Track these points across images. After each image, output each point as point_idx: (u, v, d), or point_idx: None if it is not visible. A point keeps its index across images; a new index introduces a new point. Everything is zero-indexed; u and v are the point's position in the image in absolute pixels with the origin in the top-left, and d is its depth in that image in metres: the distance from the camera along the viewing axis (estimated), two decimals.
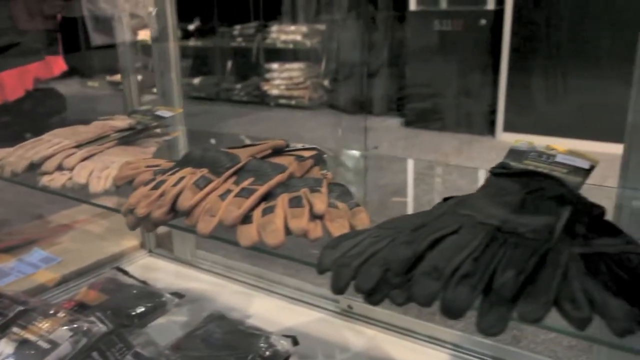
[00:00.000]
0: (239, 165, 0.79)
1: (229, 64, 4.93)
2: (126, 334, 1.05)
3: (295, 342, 1.08)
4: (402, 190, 1.20)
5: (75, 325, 1.05)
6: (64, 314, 1.11)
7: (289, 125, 3.92)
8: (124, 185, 0.89)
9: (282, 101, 4.44)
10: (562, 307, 0.49)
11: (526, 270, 0.51)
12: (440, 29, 3.25)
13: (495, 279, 0.51)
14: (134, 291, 1.30)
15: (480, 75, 3.24)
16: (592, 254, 0.55)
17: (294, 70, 4.37)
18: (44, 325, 1.07)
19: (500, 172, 0.67)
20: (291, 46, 4.28)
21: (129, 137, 1.09)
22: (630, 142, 0.81)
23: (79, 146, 1.01)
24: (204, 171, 0.78)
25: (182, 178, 0.77)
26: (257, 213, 0.71)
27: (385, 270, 0.55)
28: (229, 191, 0.75)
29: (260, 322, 1.19)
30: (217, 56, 4.98)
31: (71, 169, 0.95)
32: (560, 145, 0.72)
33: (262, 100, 4.55)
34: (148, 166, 0.88)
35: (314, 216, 0.70)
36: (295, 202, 0.71)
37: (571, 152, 0.74)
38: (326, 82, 4.34)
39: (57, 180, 0.94)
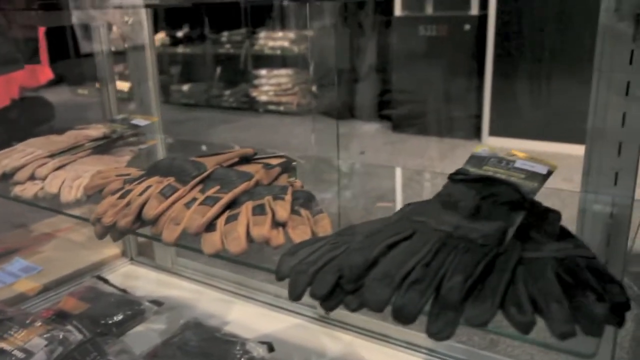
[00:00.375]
0: (205, 174, 0.80)
1: (218, 70, 4.94)
2: (101, 343, 1.05)
3: (270, 348, 1.09)
4: (382, 197, 1.21)
5: (50, 335, 1.06)
6: (40, 323, 1.12)
7: (277, 132, 3.93)
8: (95, 194, 0.90)
9: (271, 107, 4.45)
10: (507, 311, 0.50)
11: (474, 275, 0.52)
12: (425, 34, 3.27)
13: (443, 285, 0.52)
14: (113, 299, 1.30)
15: (466, 80, 3.26)
16: (540, 258, 0.56)
17: (282, 76, 4.39)
18: (20, 334, 1.07)
19: (457, 178, 0.68)
20: (279, 52, 4.30)
21: (104, 146, 1.10)
22: (591, 146, 0.82)
23: (52, 156, 1.02)
24: (171, 180, 0.79)
25: (148, 187, 0.78)
26: (220, 221, 0.72)
27: (339, 277, 0.56)
28: (194, 199, 0.76)
29: (238, 329, 1.20)
30: (206, 63, 4.99)
31: (43, 179, 0.96)
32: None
33: (251, 106, 4.56)
34: (119, 175, 0.89)
35: (277, 223, 0.71)
36: (259, 210, 0.72)
37: (531, 158, 0.75)
38: (314, 88, 4.36)
39: (29, 190, 0.94)
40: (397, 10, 3.41)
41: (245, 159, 0.89)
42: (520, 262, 0.56)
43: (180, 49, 5.00)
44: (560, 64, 2.89)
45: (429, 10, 3.40)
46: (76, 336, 1.11)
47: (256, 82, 4.55)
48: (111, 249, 1.60)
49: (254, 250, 0.71)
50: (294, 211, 0.74)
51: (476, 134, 3.29)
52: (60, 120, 3.89)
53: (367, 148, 3.25)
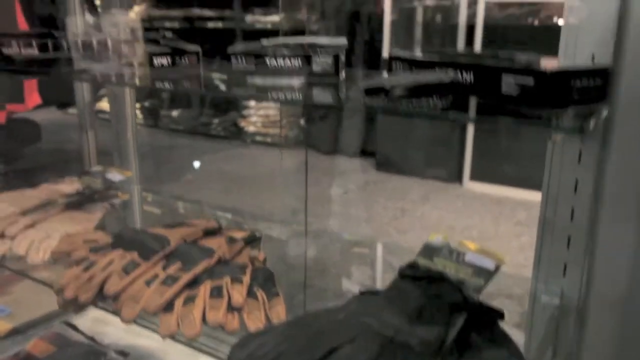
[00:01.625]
0: (167, 251, 0.82)
1: (208, 98, 4.98)
2: None
3: None
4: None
5: None
6: None
7: (262, 164, 3.96)
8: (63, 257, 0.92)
9: (258, 138, 4.48)
10: None
11: None
12: None
13: None
14: (80, 349, 1.31)
15: (449, 123, 3.32)
16: None
17: (271, 108, 4.43)
18: None
19: (406, 274, 0.71)
20: None
21: (76, 202, 1.11)
22: (542, 237, 0.85)
23: (24, 213, 1.04)
24: (134, 255, 0.81)
25: (111, 261, 0.80)
26: (178, 302, 0.74)
27: None
28: (155, 276, 0.78)
29: None
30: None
31: (13, 238, 0.97)
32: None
33: (238, 136, 4.59)
34: (86, 241, 0.91)
35: (233, 308, 0.73)
36: (216, 293, 0.75)
37: (481, 251, 0.78)
38: (302, 122, 4.41)
39: None
40: (385, 52, 3.48)
41: (210, 232, 0.91)
42: None
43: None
44: None
45: (417, 52, 3.48)
46: None
47: (245, 112, 4.59)
48: None
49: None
50: (250, 293, 0.76)
51: (458, 177, 3.34)
52: (48, 141, 3.90)
53: (350, 187, 3.28)
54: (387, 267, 1.27)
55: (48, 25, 3.35)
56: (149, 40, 1.04)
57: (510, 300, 0.90)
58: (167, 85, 0.92)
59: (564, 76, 0.57)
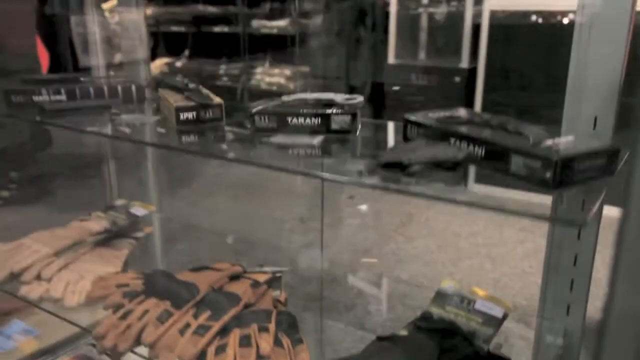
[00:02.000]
0: (197, 299, 0.88)
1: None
2: None
3: None
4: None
5: None
6: None
7: (269, 171, 4.01)
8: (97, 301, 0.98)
9: None
10: None
11: None
12: (417, 82, 3.38)
13: None
14: None
15: None
16: None
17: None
18: None
19: (421, 326, 0.77)
20: (275, 88, 4.40)
21: (104, 239, 1.18)
22: (547, 279, 0.91)
23: (57, 254, 1.10)
24: (166, 304, 0.87)
25: (146, 311, 0.87)
26: (211, 351, 0.80)
27: None
28: (188, 325, 0.84)
29: None
30: None
31: (49, 280, 1.04)
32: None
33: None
34: (118, 285, 0.97)
35: (261, 356, 0.80)
36: (245, 342, 0.81)
37: (489, 298, 0.84)
38: None
39: (35, 291, 1.02)
40: (391, 58, 3.52)
41: (235, 276, 0.97)
42: None
43: (178, 79, 5.08)
44: (545, 118, 3.00)
45: (422, 59, 3.52)
46: None
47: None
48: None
49: None
50: (276, 341, 0.82)
51: (463, 180, 3.39)
52: (58, 145, 3.96)
53: (356, 191, 3.33)
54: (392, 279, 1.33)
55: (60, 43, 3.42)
56: (172, 88, 1.10)
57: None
58: (192, 137, 0.98)
59: (571, 160, 0.63)
